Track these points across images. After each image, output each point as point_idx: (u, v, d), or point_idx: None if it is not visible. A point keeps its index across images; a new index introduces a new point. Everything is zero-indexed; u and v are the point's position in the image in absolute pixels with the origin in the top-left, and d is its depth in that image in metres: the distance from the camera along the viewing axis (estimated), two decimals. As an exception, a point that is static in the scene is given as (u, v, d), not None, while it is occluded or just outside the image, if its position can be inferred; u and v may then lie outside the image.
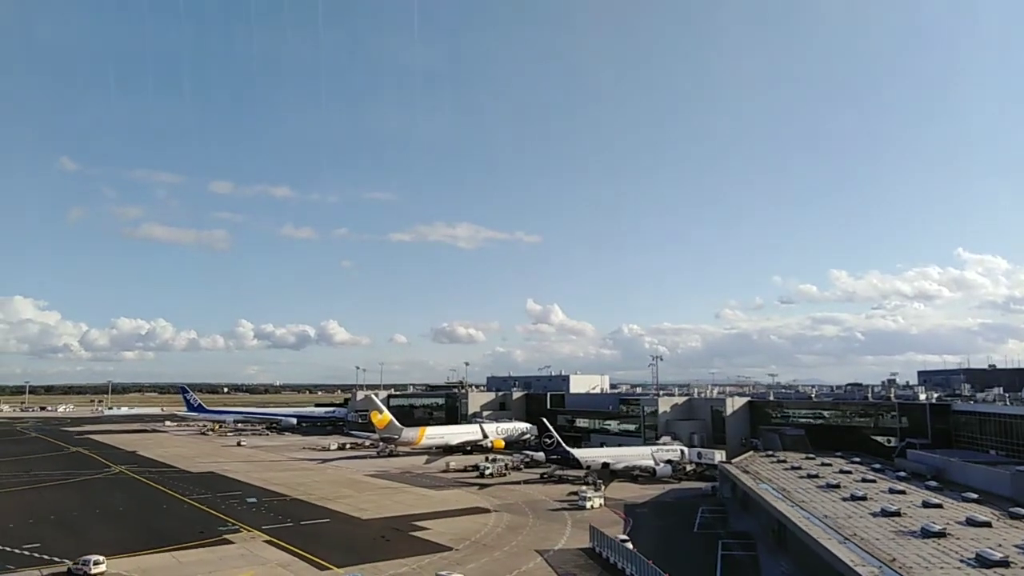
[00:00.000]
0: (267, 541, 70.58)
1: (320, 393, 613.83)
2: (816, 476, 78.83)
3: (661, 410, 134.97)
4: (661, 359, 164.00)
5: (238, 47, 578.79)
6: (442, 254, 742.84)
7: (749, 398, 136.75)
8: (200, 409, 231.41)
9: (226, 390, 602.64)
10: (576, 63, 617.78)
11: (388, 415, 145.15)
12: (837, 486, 71.17)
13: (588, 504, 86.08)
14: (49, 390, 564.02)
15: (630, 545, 61.50)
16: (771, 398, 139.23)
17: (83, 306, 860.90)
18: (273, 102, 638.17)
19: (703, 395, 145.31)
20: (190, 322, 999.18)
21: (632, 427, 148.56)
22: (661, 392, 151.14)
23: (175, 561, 63.32)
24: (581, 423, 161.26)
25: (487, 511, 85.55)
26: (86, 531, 75.71)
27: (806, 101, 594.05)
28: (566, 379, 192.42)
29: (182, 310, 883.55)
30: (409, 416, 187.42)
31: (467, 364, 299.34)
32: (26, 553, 65.49)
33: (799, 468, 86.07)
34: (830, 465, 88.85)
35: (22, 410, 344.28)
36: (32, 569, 60.25)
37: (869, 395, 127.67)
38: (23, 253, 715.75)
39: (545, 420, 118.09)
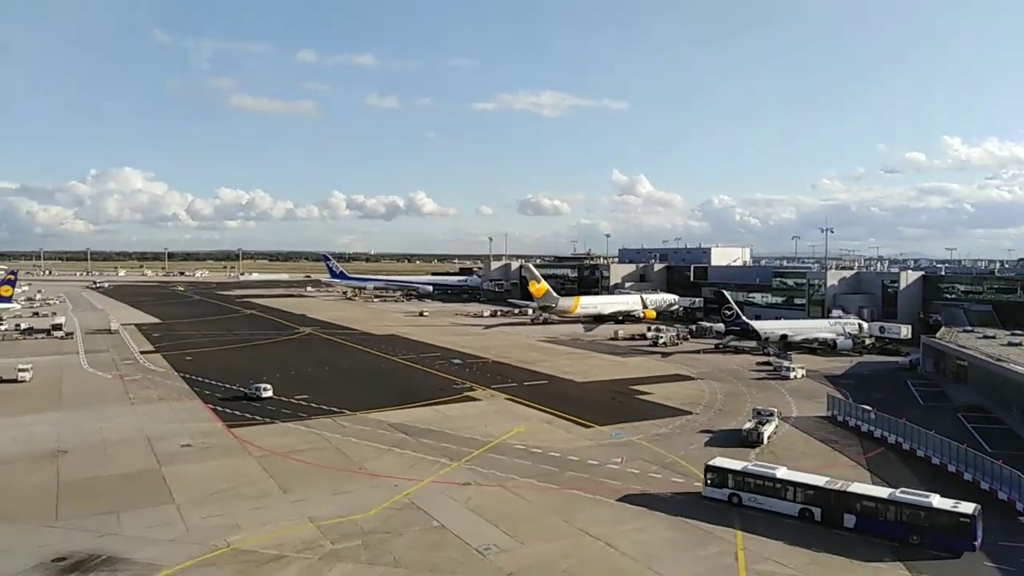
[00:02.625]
0: (507, 399, 76.00)
1: (418, 262, 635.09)
2: (1050, 353, 76.86)
3: (829, 283, 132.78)
4: (832, 231, 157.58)
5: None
6: (526, 123, 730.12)
7: (923, 272, 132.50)
8: (342, 276, 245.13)
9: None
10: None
11: (545, 284, 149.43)
12: (1091, 363, 69.32)
13: (792, 374, 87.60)
14: (171, 257, 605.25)
15: (873, 415, 63.00)
16: (943, 273, 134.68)
17: (187, 176, 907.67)
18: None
19: (872, 269, 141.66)
20: (286, 193, 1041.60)
21: (780, 300, 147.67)
22: (827, 266, 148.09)
23: (442, 415, 68.75)
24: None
25: (691, 378, 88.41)
26: (332, 385, 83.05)
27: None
28: (707, 251, 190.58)
29: (278, 181, 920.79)
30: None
31: (608, 236, 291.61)
32: (303, 403, 72.54)
33: (1019, 344, 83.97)
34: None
35: (164, 275, 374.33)
36: (325, 417, 67.38)
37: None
38: (128, 124, 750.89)
39: (725, 293, 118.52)
